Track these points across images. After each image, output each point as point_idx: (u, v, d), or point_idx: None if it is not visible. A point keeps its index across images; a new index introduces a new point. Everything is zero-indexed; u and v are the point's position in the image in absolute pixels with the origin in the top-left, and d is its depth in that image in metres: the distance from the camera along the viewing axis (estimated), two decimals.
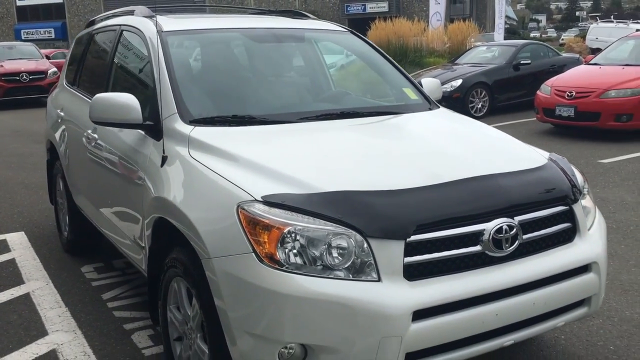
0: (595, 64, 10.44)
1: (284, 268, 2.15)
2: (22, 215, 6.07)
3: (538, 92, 10.14)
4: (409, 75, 3.81)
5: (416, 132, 3.13)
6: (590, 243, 2.59)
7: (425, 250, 2.20)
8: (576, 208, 2.59)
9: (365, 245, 2.14)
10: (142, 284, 4.24)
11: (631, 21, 37.81)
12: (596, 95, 9.14)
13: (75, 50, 5.05)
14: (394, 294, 2.11)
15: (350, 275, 2.14)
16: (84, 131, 3.91)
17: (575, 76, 9.95)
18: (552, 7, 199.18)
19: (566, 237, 2.55)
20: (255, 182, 2.36)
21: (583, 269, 2.52)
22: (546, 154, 2.89)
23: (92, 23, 5.05)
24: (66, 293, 4.14)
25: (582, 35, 44.33)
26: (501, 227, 2.30)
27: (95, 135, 3.67)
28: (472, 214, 2.29)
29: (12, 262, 4.77)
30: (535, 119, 10.18)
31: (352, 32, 4.06)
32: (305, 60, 3.87)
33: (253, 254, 2.17)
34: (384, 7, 42.73)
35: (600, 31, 31.47)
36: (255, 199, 2.27)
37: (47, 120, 5.16)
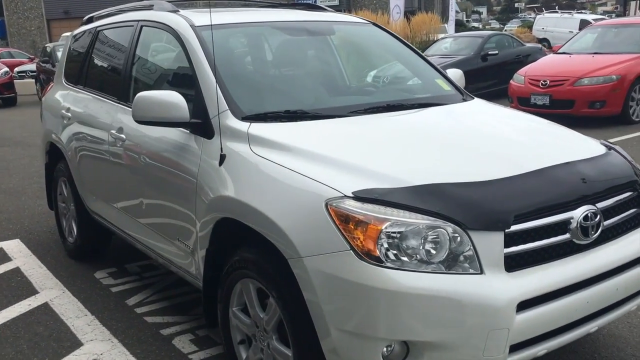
0: (564, 53, 10.70)
1: (384, 264, 2.10)
2: (11, 222, 5.80)
3: (511, 81, 10.34)
4: (437, 66, 3.81)
5: (474, 122, 3.13)
6: None
7: (521, 240, 2.20)
8: None
9: (466, 237, 2.12)
10: (166, 288, 4.13)
11: (575, 11, 39.08)
12: (570, 84, 9.39)
13: (74, 48, 4.84)
14: (499, 286, 2.10)
15: (453, 269, 2.11)
16: (106, 132, 3.75)
17: (548, 65, 10.19)
18: None
19: (636, 222, 2.59)
20: (339, 177, 2.30)
21: None
22: (600, 142, 2.93)
23: (91, 20, 4.86)
24: (87, 300, 3.98)
25: (526, 25, 45.45)
26: (587, 215, 2.32)
27: (122, 136, 3.52)
28: (561, 202, 2.30)
29: (18, 271, 4.55)
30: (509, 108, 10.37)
31: (374, 24, 4.03)
32: (339, 53, 3.81)
33: (351, 251, 2.12)
34: (334, 0, 42.73)
35: (546, 22, 32.37)
36: (345, 195, 2.21)
37: (45, 121, 4.94)
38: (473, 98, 3.56)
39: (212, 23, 3.34)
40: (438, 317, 2.07)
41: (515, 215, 2.18)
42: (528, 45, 14.07)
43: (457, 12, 40.14)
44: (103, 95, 4.05)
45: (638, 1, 37.98)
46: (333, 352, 2.19)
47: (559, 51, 11.13)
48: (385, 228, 2.11)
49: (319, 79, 3.51)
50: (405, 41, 3.97)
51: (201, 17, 3.44)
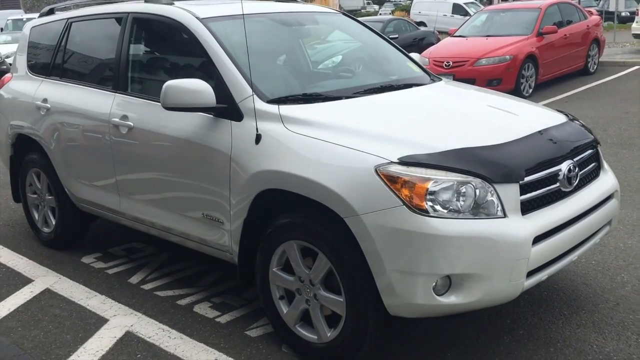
0: (460, 36, 11.68)
1: (430, 214, 2.59)
2: None
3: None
4: (406, 52, 4.33)
5: (461, 98, 3.68)
6: (609, 176, 3.34)
7: (529, 189, 2.76)
8: (600, 150, 3.32)
9: (492, 189, 2.65)
10: (162, 266, 4.38)
11: None
12: (470, 64, 10.33)
13: (36, 40, 4.88)
14: (519, 226, 2.65)
15: (484, 215, 2.64)
16: (104, 121, 3.92)
17: (449, 47, 11.10)
18: None
19: (596, 173, 3.26)
20: (380, 147, 2.75)
21: (610, 196, 3.25)
22: (557, 110, 3.59)
23: (52, 12, 4.92)
24: (89, 283, 4.15)
25: (401, 9, 47.46)
26: (569, 168, 2.94)
27: (129, 123, 3.73)
28: (553, 158, 2.90)
29: None
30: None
31: (344, 14, 4.48)
32: (326, 42, 4.23)
33: (404, 206, 2.59)
34: None
35: (422, 5, 34.02)
36: (392, 161, 2.67)
37: (8, 115, 4.92)
38: (440, 79, 4.12)
39: (217, 15, 3.66)
40: (474, 253, 2.59)
41: (526, 170, 2.75)
42: (422, 29, 15.07)
43: None
44: (91, 85, 4.19)
45: None
46: (389, 288, 2.64)
47: (455, 34, 12.11)
48: (430, 186, 2.60)
49: (316, 64, 3.91)
50: (374, 29, 4.46)
51: (202, 9, 3.73)
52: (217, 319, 3.57)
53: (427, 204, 2.59)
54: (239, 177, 3.14)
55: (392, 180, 2.63)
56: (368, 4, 69.49)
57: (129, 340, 3.38)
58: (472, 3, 34.02)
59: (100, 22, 4.35)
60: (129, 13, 3.98)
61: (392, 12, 39.95)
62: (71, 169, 4.37)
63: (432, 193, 2.60)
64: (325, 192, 2.75)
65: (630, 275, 3.86)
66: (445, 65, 10.49)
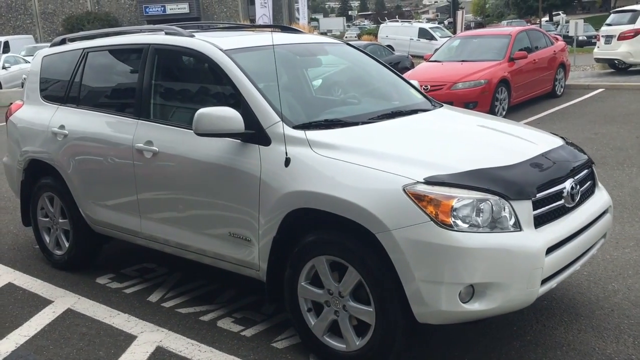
0: (436, 61, 12.15)
1: (455, 229, 2.87)
2: None
3: None
4: (408, 80, 4.65)
5: (467, 124, 3.99)
6: (603, 193, 3.68)
7: (540, 205, 3.07)
8: (595, 169, 3.66)
9: (509, 205, 2.95)
10: (178, 284, 4.56)
11: (415, 21, 42.45)
12: (447, 88, 10.77)
13: (49, 68, 5.05)
14: (534, 238, 2.95)
15: (503, 229, 2.93)
16: (127, 146, 4.11)
17: (427, 72, 11.53)
18: (326, 6, 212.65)
19: (592, 190, 3.60)
20: (406, 168, 3.02)
21: (605, 211, 3.58)
22: (552, 134, 3.93)
23: (64, 42, 5.11)
24: (109, 302, 4.30)
25: (365, 32, 48.54)
26: (572, 185, 3.26)
27: (155, 148, 3.94)
28: (558, 177, 3.22)
29: (13, 286, 4.70)
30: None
31: (346, 44, 4.79)
32: (342, 70, 4.52)
33: (431, 221, 2.86)
34: (184, 8, 42.65)
35: (389, 30, 34.92)
36: (418, 181, 2.95)
37: (21, 141, 5.06)
38: (441, 105, 4.43)
39: (237, 47, 3.92)
40: (495, 264, 2.87)
41: (537, 187, 3.06)
42: (396, 54, 15.57)
43: (297, 19, 42.58)
44: (110, 113, 4.39)
45: (463, 10, 42.21)
46: (417, 297, 2.90)
47: (430, 59, 12.58)
48: (454, 203, 2.88)
49: (330, 93, 4.19)
50: (375, 57, 4.77)
51: (222, 41, 3.98)
52: (242, 333, 3.76)
53: (451, 219, 2.87)
54: (269, 198, 3.37)
55: (419, 199, 2.90)
56: (348, 26, 70.78)
57: (161, 355, 3.55)
58: (437, 27, 35.10)
59: (118, 52, 4.55)
60: (150, 44, 4.21)
61: (359, 36, 40.78)
62: (89, 193, 4.54)
63: (456, 209, 2.88)
64: (358, 211, 3.01)
65: (619, 284, 4.19)
66: (424, 88, 10.90)
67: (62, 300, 4.37)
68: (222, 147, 3.61)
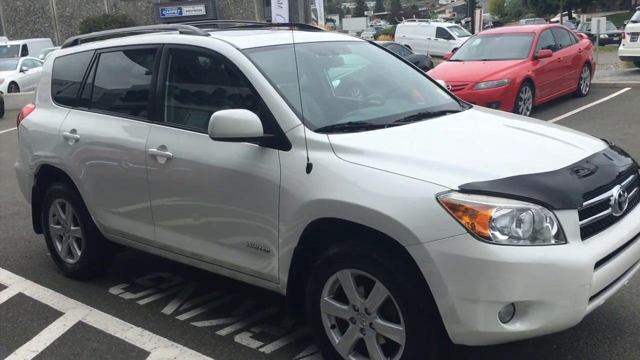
0: (457, 60, 11.86)
1: (493, 242, 2.61)
2: None
3: None
4: (435, 80, 4.40)
5: (502, 125, 3.73)
6: None
7: (586, 215, 2.81)
8: None
9: (553, 215, 2.69)
10: (193, 295, 4.35)
11: (432, 20, 42.06)
12: (469, 88, 10.47)
13: (60, 70, 4.87)
14: (581, 252, 2.69)
15: (547, 241, 2.67)
16: (140, 150, 3.92)
17: (448, 72, 11.23)
18: (342, 7, 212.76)
19: (639, 197, 3.32)
20: (439, 175, 2.78)
21: None
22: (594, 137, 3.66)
23: (76, 43, 4.93)
24: (122, 315, 4.10)
25: (381, 32, 48.24)
26: (619, 192, 2.99)
27: (169, 153, 3.73)
28: (604, 184, 2.95)
29: (24, 296, 4.52)
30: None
31: (369, 42, 4.55)
32: (365, 70, 4.29)
33: (467, 233, 2.61)
34: (200, 10, 42.65)
35: (406, 30, 34.56)
36: (452, 189, 2.70)
37: (32, 145, 4.89)
38: (471, 105, 4.18)
39: (255, 46, 3.69)
40: (539, 280, 2.62)
41: (583, 195, 2.79)
42: (416, 53, 15.28)
43: (314, 20, 42.45)
44: (123, 116, 4.19)
45: (481, 9, 41.78)
46: (452, 316, 2.65)
47: (451, 59, 12.29)
48: (493, 213, 2.63)
49: (354, 93, 3.96)
50: (400, 56, 4.52)
51: (239, 39, 3.76)
52: (261, 349, 3.54)
53: (490, 231, 2.62)
54: (290, 206, 3.15)
55: (453, 208, 2.66)
56: (371, 26, 70.63)
57: None
58: (455, 27, 34.69)
59: (131, 53, 4.36)
60: (163, 44, 4.00)
61: (375, 37, 40.47)
62: (101, 199, 4.35)
63: (494, 220, 2.63)
64: (386, 221, 2.77)
65: None
66: None
67: (73, 312, 4.18)
68: (239, 152, 3.40)
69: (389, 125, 3.40)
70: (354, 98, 4.22)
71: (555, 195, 2.73)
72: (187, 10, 42.59)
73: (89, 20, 42.15)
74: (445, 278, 2.64)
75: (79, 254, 4.71)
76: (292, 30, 4.38)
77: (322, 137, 3.17)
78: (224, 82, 3.80)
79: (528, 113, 10.90)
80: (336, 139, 3.15)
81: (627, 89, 13.78)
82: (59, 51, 5.02)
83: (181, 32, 4.02)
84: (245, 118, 3.21)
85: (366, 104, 4.06)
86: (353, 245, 2.97)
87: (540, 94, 11.24)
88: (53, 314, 4.18)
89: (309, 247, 3.15)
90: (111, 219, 4.33)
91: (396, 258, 2.80)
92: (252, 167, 3.33)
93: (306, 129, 3.21)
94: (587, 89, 13.21)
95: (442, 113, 3.80)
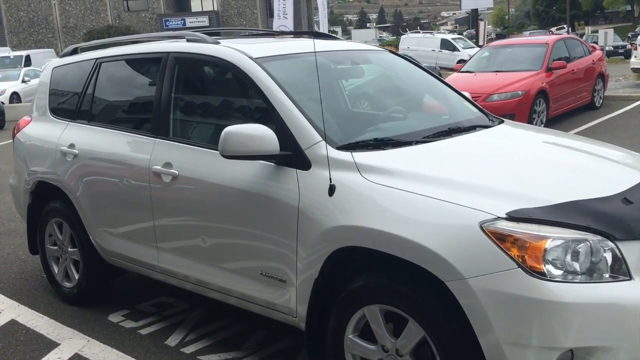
0: (467, 72, 11.56)
1: (549, 278, 2.28)
2: None
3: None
4: (460, 91, 4.08)
5: (541, 143, 3.41)
6: None
7: None
8: None
9: (615, 247, 2.36)
10: (199, 324, 4.01)
11: (436, 32, 41.91)
12: (482, 100, 10.14)
13: (59, 80, 4.56)
14: None
15: (608, 277, 2.34)
16: (143, 168, 3.60)
17: (459, 83, 10.90)
18: (344, 19, 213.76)
19: None
20: (482, 200, 2.45)
21: None
22: None
23: (76, 51, 4.62)
24: (122, 347, 3.76)
25: (385, 44, 48.13)
26: None
27: (175, 171, 3.41)
28: None
29: (16, 324, 4.19)
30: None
31: (390, 51, 4.24)
32: (383, 81, 3.97)
33: (519, 268, 2.28)
34: (204, 21, 42.63)
35: (410, 41, 34.35)
36: (499, 217, 2.37)
37: (28, 160, 4.57)
38: (502, 120, 3.85)
39: (268, 55, 3.38)
40: (600, 323, 2.27)
41: None
42: (424, 65, 14.96)
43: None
44: (125, 130, 3.88)
45: (485, 21, 41.69)
46: None
47: (462, 70, 11.99)
48: (548, 245, 2.30)
49: (377, 106, 3.64)
50: (422, 65, 4.21)
51: (251, 47, 3.45)
52: None
53: (544, 266, 2.29)
54: (310, 233, 2.82)
55: (501, 239, 2.33)
56: (380, 38, 70.76)
57: None
58: (459, 38, 34.47)
59: (134, 62, 4.06)
60: (169, 53, 3.69)
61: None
62: (101, 219, 4.02)
63: (549, 253, 2.30)
64: (423, 253, 2.43)
65: None
66: None
67: (69, 343, 3.84)
68: (252, 170, 3.07)
69: (417, 142, 3.08)
70: (374, 111, 3.90)
71: (616, 224, 2.40)
72: (191, 21, 42.55)
73: (92, 31, 42.05)
74: (491, 319, 2.30)
75: (77, 277, 4.38)
76: (309, 38, 4.08)
77: (345, 156, 2.85)
78: (234, 94, 3.49)
79: (542, 126, 10.57)
80: (361, 157, 2.83)
81: None
82: (57, 60, 4.72)
83: (188, 40, 3.71)
84: (260, 134, 2.89)
85: (388, 117, 3.73)
86: (382, 278, 2.64)
87: (554, 106, 10.92)
88: (47, 345, 3.84)
89: (331, 278, 2.82)
90: (111, 241, 4.01)
91: (434, 294, 2.46)
92: (267, 187, 3.00)
93: (327, 146, 2.88)
94: (601, 101, 12.90)
95: (472, 128, 3.48)
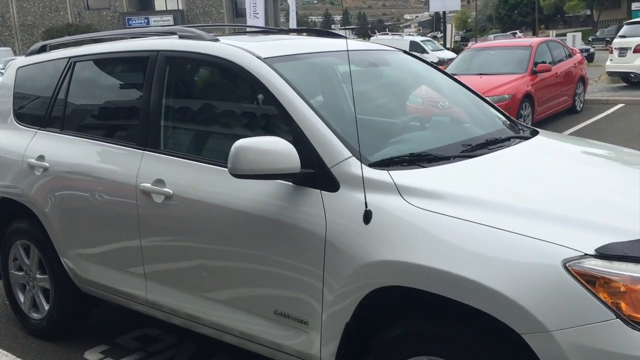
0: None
1: None
2: None
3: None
4: (485, 98, 3.67)
5: (595, 158, 3.01)
6: None
7: None
8: None
9: None
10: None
11: (405, 33, 41.83)
12: None
13: (24, 82, 3.98)
14: None
15: None
16: (129, 185, 3.07)
17: None
18: (309, 20, 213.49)
19: None
20: (561, 232, 2.01)
21: None
22: None
23: (44, 49, 4.05)
24: None
25: None
26: None
27: (169, 191, 2.89)
28: None
29: None
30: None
31: (404, 52, 3.79)
32: (403, 84, 3.52)
33: (618, 319, 1.85)
34: (168, 20, 41.73)
35: (379, 43, 34.05)
36: (586, 253, 1.94)
37: None
38: (537, 130, 3.42)
39: (277, 54, 2.90)
40: None
41: None
42: None
43: None
44: (105, 140, 3.34)
45: (452, 25, 41.84)
46: None
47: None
48: None
49: (404, 113, 3.19)
50: (439, 68, 3.79)
51: (258, 46, 2.97)
52: None
53: None
54: (340, 267, 2.34)
55: (590, 282, 1.89)
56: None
57: None
58: (428, 40, 34.37)
59: (115, 62, 3.52)
60: (158, 51, 3.16)
61: None
62: (75, 242, 3.47)
63: None
64: (493, 298, 1.98)
65: None
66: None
67: None
68: (265, 191, 2.58)
69: (455, 158, 2.62)
70: (393, 119, 3.43)
71: None
72: (155, 20, 41.59)
73: (51, 30, 40.72)
74: None
75: (47, 307, 3.82)
76: (316, 37, 3.61)
77: (382, 175, 2.38)
78: (238, 100, 3.00)
79: None
80: (401, 177, 2.37)
81: (620, 105, 13.32)
82: (23, 59, 4.13)
83: (181, 37, 3.19)
84: (278, 148, 2.41)
85: (406, 127, 3.28)
86: (433, 325, 2.18)
87: (539, 109, 10.66)
88: None
89: (364, 322, 2.35)
90: (87, 267, 3.46)
91: (503, 348, 2.02)
92: (286, 212, 2.51)
93: (359, 163, 2.41)
94: (582, 105, 12.72)
95: (508, 140, 3.05)
